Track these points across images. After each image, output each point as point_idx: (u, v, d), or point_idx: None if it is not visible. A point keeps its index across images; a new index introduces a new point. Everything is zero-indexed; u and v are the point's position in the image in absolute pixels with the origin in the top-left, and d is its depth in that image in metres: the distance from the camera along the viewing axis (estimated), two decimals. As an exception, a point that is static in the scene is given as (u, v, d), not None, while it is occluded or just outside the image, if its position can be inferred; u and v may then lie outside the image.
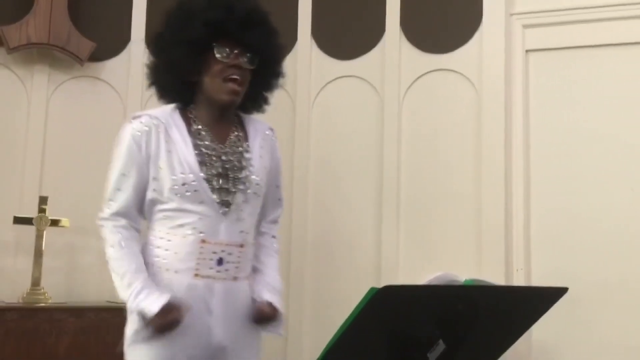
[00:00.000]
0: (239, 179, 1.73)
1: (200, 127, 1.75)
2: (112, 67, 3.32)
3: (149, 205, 1.71)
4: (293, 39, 3.34)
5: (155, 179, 1.69)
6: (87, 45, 3.19)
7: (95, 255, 3.16)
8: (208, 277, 1.67)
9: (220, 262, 1.68)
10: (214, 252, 1.67)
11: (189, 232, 1.66)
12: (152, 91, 3.17)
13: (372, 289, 1.25)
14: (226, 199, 1.70)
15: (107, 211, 1.73)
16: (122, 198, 1.70)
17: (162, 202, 1.69)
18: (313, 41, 3.37)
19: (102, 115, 3.29)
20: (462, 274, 1.62)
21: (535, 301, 1.51)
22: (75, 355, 2.77)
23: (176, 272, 1.66)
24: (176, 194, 1.66)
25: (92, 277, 3.11)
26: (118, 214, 1.71)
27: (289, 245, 3.23)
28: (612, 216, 2.87)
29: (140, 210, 1.73)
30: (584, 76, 2.98)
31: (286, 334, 3.13)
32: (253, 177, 1.75)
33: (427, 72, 3.18)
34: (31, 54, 3.18)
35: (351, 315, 1.29)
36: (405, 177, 3.16)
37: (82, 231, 3.16)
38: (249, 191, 1.74)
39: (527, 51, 3.07)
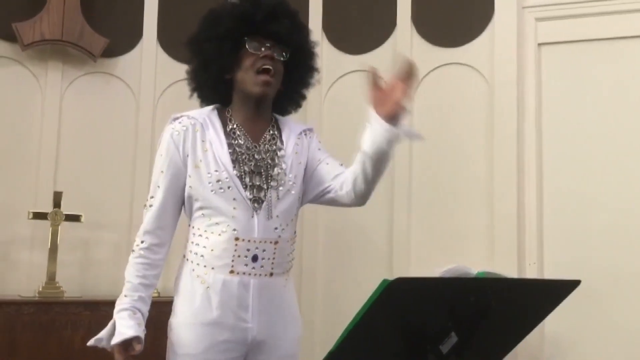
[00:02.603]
0: (271, 176, 1.76)
1: (235, 125, 1.80)
2: (124, 63, 3.34)
3: (187, 202, 1.77)
4: (304, 33, 3.34)
5: (191, 176, 1.74)
6: (99, 42, 3.22)
7: (110, 249, 3.20)
8: (243, 273, 1.71)
9: (255, 258, 1.72)
10: (248, 250, 1.71)
11: (224, 229, 1.71)
12: (165, 87, 3.30)
13: (384, 281, 1.25)
14: (258, 195, 1.74)
15: (139, 232, 1.77)
16: (161, 195, 1.76)
17: (197, 199, 1.74)
18: (324, 36, 3.37)
19: (115, 111, 3.32)
20: (475, 267, 1.62)
21: (548, 294, 1.50)
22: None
23: (213, 268, 1.71)
24: (211, 191, 1.71)
25: (106, 271, 3.14)
26: (147, 232, 1.75)
27: (300, 238, 3.22)
28: (625, 209, 2.85)
29: (176, 209, 1.79)
30: (597, 69, 2.96)
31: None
32: (286, 174, 1.79)
33: (439, 66, 3.18)
34: (45, 50, 3.21)
35: (363, 307, 1.30)
36: (417, 170, 3.16)
37: (96, 226, 3.19)
38: (281, 188, 1.77)
39: (539, 44, 3.05)
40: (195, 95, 1.89)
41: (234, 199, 1.71)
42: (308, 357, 1.83)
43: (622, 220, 2.85)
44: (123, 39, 3.33)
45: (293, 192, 1.81)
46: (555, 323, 2.51)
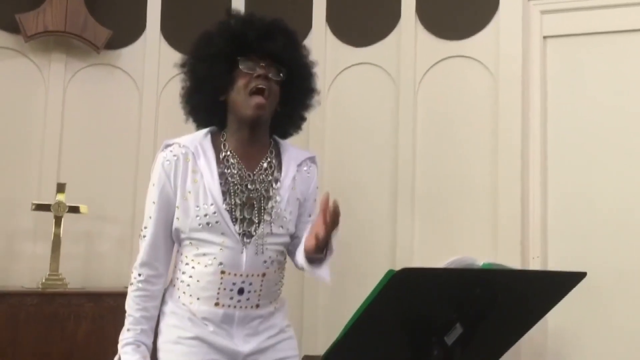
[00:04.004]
0: (264, 209, 1.69)
1: (229, 152, 1.72)
2: (128, 54, 3.34)
3: (175, 232, 1.71)
4: (307, 25, 3.33)
5: (179, 207, 1.68)
6: (103, 33, 3.21)
7: (113, 241, 3.21)
8: (228, 306, 1.67)
9: (241, 292, 1.67)
10: (234, 283, 1.66)
11: (210, 262, 1.65)
12: (168, 79, 3.30)
13: (389, 271, 1.24)
14: (249, 230, 1.67)
15: (135, 264, 1.72)
16: (153, 227, 1.70)
17: (184, 232, 1.68)
18: (328, 28, 3.36)
19: (119, 103, 3.32)
20: (479, 259, 1.61)
21: (553, 285, 1.50)
22: (93, 339, 2.81)
23: (198, 299, 1.68)
24: (198, 224, 1.66)
25: (109, 263, 3.15)
26: (144, 264, 1.70)
27: (303, 232, 3.24)
28: (629, 204, 2.84)
29: (170, 238, 1.73)
30: (602, 62, 2.95)
31: (301, 323, 3.15)
32: (280, 209, 1.70)
33: (443, 59, 3.16)
34: (48, 42, 3.20)
35: (368, 298, 1.29)
36: (420, 164, 3.15)
37: (99, 218, 3.19)
38: (273, 223, 1.69)
39: (544, 37, 3.04)
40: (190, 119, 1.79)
41: (222, 234, 1.65)
42: (312, 348, 1.82)
43: (627, 214, 2.84)
44: (126, 30, 3.32)
45: (287, 228, 1.73)
46: (559, 318, 2.51)
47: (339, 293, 3.17)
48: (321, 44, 3.33)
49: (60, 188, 3.03)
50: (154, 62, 3.34)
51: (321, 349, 1.38)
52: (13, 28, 3.13)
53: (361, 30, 3.31)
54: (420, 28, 3.21)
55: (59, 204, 3.01)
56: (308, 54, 1.81)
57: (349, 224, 3.24)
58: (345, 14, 3.35)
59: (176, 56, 3.26)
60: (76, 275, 3.09)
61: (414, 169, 3.15)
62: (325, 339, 3.02)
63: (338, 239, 1.63)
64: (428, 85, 3.17)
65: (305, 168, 1.81)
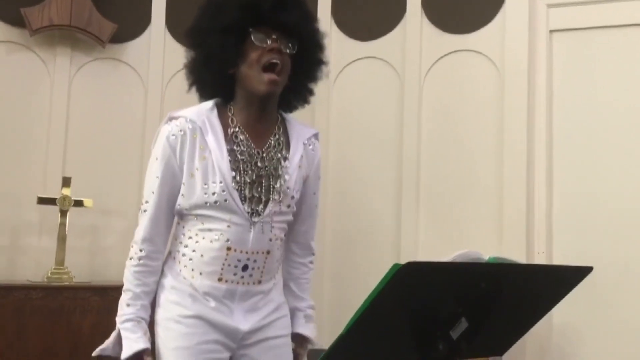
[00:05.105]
0: (273, 187, 1.66)
1: (237, 129, 1.67)
2: (133, 48, 3.34)
3: (178, 209, 1.68)
4: (313, 20, 3.32)
5: (185, 184, 1.64)
6: (108, 27, 3.21)
7: (118, 235, 3.21)
8: (232, 282, 1.66)
9: (245, 268, 1.66)
10: (239, 260, 1.65)
11: (216, 237, 1.63)
12: (173, 73, 3.29)
13: (395, 265, 1.24)
14: (257, 208, 1.64)
15: (135, 238, 1.68)
16: (156, 202, 1.66)
17: (189, 208, 1.65)
18: (333, 22, 3.35)
19: (124, 97, 3.32)
20: (485, 253, 1.61)
21: (559, 280, 1.49)
22: (99, 332, 2.76)
23: (200, 273, 1.65)
24: (205, 202, 1.62)
25: (114, 257, 3.15)
26: (145, 240, 1.67)
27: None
28: (635, 199, 2.83)
29: (172, 214, 1.70)
30: (609, 57, 2.94)
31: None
32: (288, 187, 1.68)
33: (449, 53, 3.16)
34: (53, 36, 3.20)
35: (373, 291, 1.29)
36: (425, 159, 3.15)
37: (105, 211, 3.20)
38: (281, 202, 1.67)
39: (551, 31, 3.02)
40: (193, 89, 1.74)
41: (230, 211, 1.62)
42: (317, 341, 1.83)
43: (632, 209, 2.83)
44: (131, 24, 3.32)
45: (293, 206, 1.72)
46: (564, 313, 2.51)
47: (344, 287, 3.17)
48: (326, 38, 3.31)
49: (66, 182, 3.03)
50: (159, 56, 3.34)
51: (326, 343, 1.38)
52: (18, 22, 3.13)
53: (366, 24, 3.30)
54: (426, 22, 3.19)
55: (65, 197, 3.01)
56: (319, 25, 1.76)
57: (354, 219, 3.27)
58: (350, 7, 3.34)
59: (181, 50, 3.25)
60: (82, 268, 3.09)
61: (419, 163, 3.14)
62: (330, 333, 3.02)
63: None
64: (433, 80, 3.16)
65: (310, 146, 1.78)
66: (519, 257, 2.83)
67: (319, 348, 1.62)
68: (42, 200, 3.00)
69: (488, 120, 3.06)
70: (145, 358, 1.63)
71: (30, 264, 3.08)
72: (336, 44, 3.32)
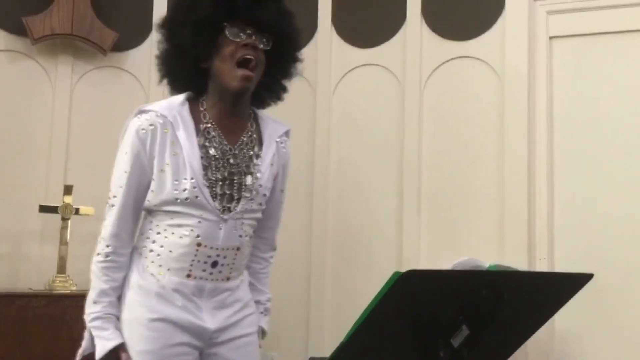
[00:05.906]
0: (245, 185, 1.65)
1: (210, 124, 1.64)
2: (134, 57, 3.35)
3: (147, 204, 1.65)
4: (313, 27, 3.34)
5: (155, 180, 1.61)
6: (109, 36, 3.22)
7: (119, 243, 3.21)
8: (200, 278, 1.64)
9: (214, 264, 1.64)
10: (209, 256, 1.63)
11: (186, 233, 1.60)
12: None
13: (395, 273, 1.25)
14: (228, 205, 1.63)
15: (103, 234, 1.66)
16: (123, 197, 1.62)
17: (158, 205, 1.63)
18: (333, 29, 3.36)
19: (125, 105, 3.30)
20: (485, 260, 1.61)
21: (560, 287, 1.49)
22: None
23: (169, 269, 1.63)
24: (176, 199, 1.59)
25: (116, 265, 3.15)
26: (112, 235, 1.64)
27: (309, 234, 3.25)
28: (636, 205, 2.83)
29: (139, 209, 1.66)
30: (608, 63, 2.94)
31: (307, 324, 3.15)
32: (260, 185, 1.67)
33: (449, 60, 3.16)
34: (55, 44, 3.22)
35: (374, 299, 1.29)
36: (426, 165, 3.15)
37: (106, 219, 3.20)
38: (253, 200, 1.66)
39: (550, 38, 3.03)
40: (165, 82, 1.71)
41: (201, 208, 1.60)
42: (318, 350, 1.83)
43: (634, 216, 2.83)
44: (133, 33, 3.33)
45: (264, 204, 1.71)
46: (566, 319, 2.50)
47: (346, 295, 3.16)
48: (327, 45, 3.34)
49: (67, 190, 3.04)
50: (160, 64, 3.35)
51: (327, 351, 1.38)
52: (20, 31, 3.14)
53: (367, 32, 3.31)
54: (426, 29, 3.20)
55: (66, 205, 3.02)
56: (295, 21, 1.72)
57: (355, 225, 3.27)
58: (350, 15, 3.35)
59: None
60: (83, 276, 3.06)
61: (420, 169, 3.15)
62: (331, 340, 3.02)
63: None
64: (434, 86, 3.17)
65: (282, 144, 1.76)
66: (521, 263, 2.83)
67: (320, 356, 1.62)
68: (43, 209, 3.01)
69: (488, 127, 3.06)
70: (121, 354, 1.59)
71: (32, 272, 3.08)
72: (337, 51, 3.33)
